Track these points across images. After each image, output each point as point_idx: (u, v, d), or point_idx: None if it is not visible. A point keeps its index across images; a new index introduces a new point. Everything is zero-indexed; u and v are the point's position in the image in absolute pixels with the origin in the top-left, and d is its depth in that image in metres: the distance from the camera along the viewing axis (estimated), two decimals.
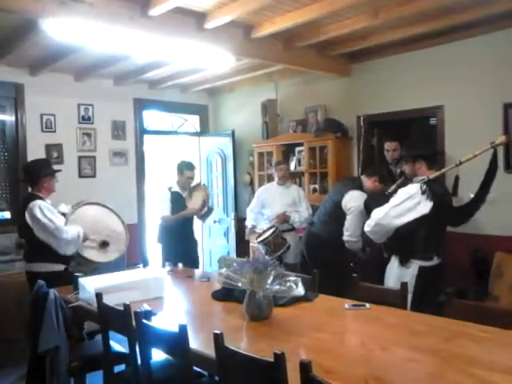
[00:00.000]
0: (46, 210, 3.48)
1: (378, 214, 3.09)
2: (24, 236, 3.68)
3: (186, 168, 4.60)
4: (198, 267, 4.67)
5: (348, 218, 3.83)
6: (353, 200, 3.82)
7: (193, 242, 4.76)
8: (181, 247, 4.49)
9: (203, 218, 4.80)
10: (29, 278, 3.59)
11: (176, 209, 4.52)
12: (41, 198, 3.57)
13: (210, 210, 4.75)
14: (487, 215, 4.04)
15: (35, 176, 3.64)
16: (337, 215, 3.90)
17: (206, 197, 4.63)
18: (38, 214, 3.45)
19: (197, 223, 5.04)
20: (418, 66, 4.58)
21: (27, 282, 3.61)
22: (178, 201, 4.54)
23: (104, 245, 3.81)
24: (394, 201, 3.06)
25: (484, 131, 3.91)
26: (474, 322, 2.17)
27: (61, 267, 3.57)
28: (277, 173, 4.81)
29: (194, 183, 4.70)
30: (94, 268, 3.75)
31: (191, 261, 4.43)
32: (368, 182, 3.90)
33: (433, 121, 4.89)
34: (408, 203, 2.99)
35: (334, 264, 3.74)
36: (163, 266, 4.37)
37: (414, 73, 4.61)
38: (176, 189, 4.61)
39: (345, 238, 3.83)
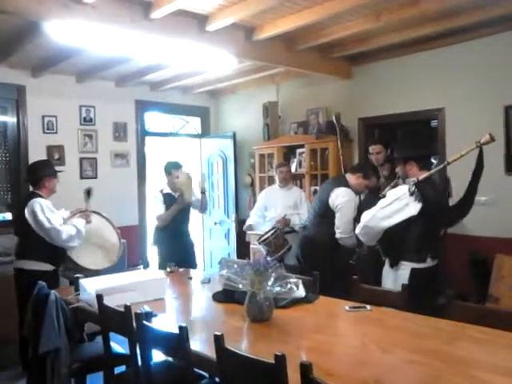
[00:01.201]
0: (45, 208, 3.55)
1: (366, 216, 3.08)
2: (19, 232, 3.72)
3: (173, 168, 4.63)
4: (195, 267, 4.64)
5: (337, 215, 3.83)
6: (339, 197, 3.83)
7: (189, 243, 4.75)
8: (177, 248, 4.49)
9: (202, 208, 4.78)
10: (16, 275, 3.64)
11: (168, 209, 4.54)
12: (41, 197, 3.64)
13: (204, 197, 4.72)
14: (487, 217, 4.06)
15: (37, 176, 3.73)
16: (327, 215, 3.89)
17: (184, 181, 4.57)
18: (38, 211, 3.51)
19: (194, 224, 5.06)
20: (419, 69, 4.58)
21: (14, 279, 3.64)
22: (171, 202, 4.57)
23: (88, 193, 3.92)
24: (381, 203, 3.04)
25: (485, 133, 3.90)
26: (475, 323, 2.17)
27: (50, 267, 3.61)
28: (277, 175, 4.81)
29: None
30: (83, 274, 3.72)
31: (188, 261, 4.41)
32: (352, 178, 3.92)
33: (434, 123, 4.90)
34: (395, 205, 2.97)
35: (329, 265, 3.72)
36: (160, 267, 4.38)
37: (415, 75, 4.62)
38: (167, 190, 4.64)
39: (337, 235, 3.83)
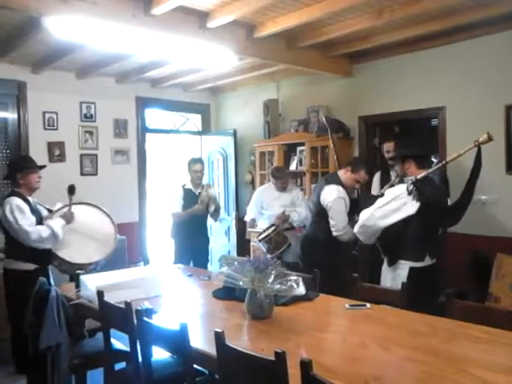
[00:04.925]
0: (15, 208, 3.40)
1: (364, 215, 3.08)
2: (2, 231, 3.59)
3: (191, 162, 4.77)
4: (207, 263, 4.86)
5: (329, 214, 3.81)
6: (327, 195, 3.81)
7: (204, 239, 4.93)
8: (193, 243, 4.64)
9: (213, 216, 4.89)
10: (3, 274, 3.56)
11: (187, 206, 4.66)
12: (19, 195, 3.50)
13: (217, 209, 4.83)
14: (488, 216, 4.06)
15: (11, 173, 3.61)
16: (322, 214, 3.88)
17: (206, 196, 4.68)
18: (7, 211, 3.39)
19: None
20: (420, 67, 4.58)
21: (3, 278, 3.57)
22: (189, 198, 4.68)
23: (71, 190, 3.67)
24: (380, 202, 3.03)
25: (483, 133, 3.90)
26: (475, 322, 2.17)
27: (31, 266, 3.47)
28: (277, 184, 4.71)
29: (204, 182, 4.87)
30: (81, 269, 3.62)
31: (201, 257, 4.66)
32: (341, 172, 3.91)
33: (434, 122, 4.89)
34: (393, 204, 2.96)
35: (327, 263, 3.71)
36: (176, 262, 4.47)
37: (415, 74, 4.61)
38: (189, 186, 4.76)
39: (333, 233, 3.81)
